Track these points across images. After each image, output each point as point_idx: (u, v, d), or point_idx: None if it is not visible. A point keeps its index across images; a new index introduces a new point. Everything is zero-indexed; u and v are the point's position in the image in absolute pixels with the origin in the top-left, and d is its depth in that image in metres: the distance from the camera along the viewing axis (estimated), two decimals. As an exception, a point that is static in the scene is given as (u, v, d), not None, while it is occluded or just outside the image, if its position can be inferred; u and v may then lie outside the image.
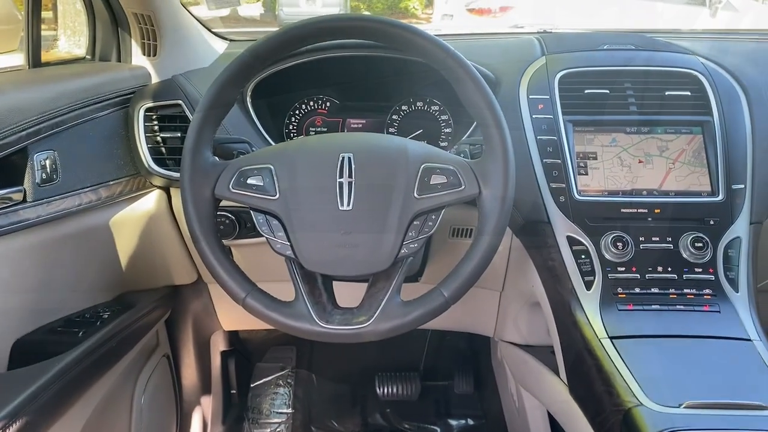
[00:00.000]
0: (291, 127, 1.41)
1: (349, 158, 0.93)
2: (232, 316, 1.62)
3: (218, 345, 1.72)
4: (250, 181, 0.93)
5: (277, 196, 0.92)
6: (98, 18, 1.35)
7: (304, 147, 0.98)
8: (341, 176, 0.92)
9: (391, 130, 1.40)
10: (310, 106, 1.41)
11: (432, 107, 1.39)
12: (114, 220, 1.22)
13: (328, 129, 1.41)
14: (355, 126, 1.41)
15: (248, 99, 1.27)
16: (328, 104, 1.41)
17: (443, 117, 1.39)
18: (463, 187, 0.92)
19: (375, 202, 0.91)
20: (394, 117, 1.40)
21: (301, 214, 0.91)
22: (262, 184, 0.93)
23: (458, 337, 2.04)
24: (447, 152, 0.98)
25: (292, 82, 1.34)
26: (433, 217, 0.93)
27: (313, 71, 1.31)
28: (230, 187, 0.93)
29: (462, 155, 1.02)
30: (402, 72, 1.33)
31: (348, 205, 0.91)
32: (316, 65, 1.28)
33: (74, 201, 1.11)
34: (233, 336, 1.80)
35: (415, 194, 0.91)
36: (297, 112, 1.41)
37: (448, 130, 1.40)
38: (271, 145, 1.22)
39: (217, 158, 0.97)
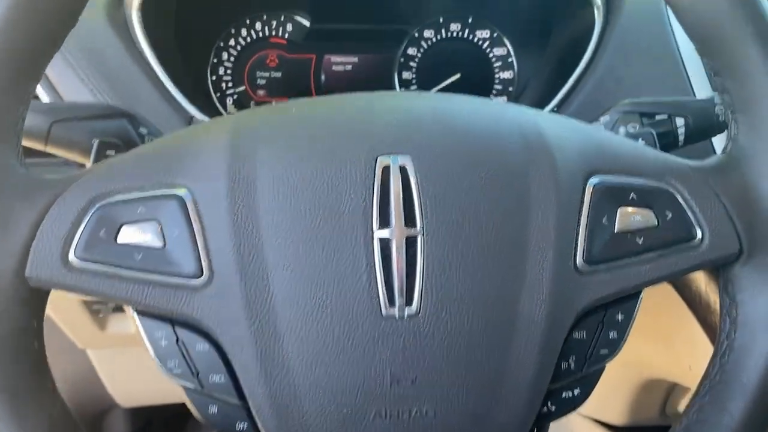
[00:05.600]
0: (222, 74, 0.80)
1: (405, 169, 0.35)
2: None
3: None
4: (128, 234, 0.35)
5: (205, 277, 0.34)
6: None
7: (269, 136, 0.37)
8: (385, 223, 0.34)
9: (404, 75, 0.82)
10: (257, 32, 0.81)
11: (477, 33, 0.82)
12: None
13: (290, 73, 0.82)
14: (340, 68, 0.83)
15: (135, 19, 0.65)
16: (290, 27, 0.81)
17: (498, 51, 0.82)
18: (698, 238, 0.37)
19: (476, 295, 0.35)
20: (411, 51, 0.82)
21: (278, 327, 0.34)
22: (160, 243, 0.35)
23: None
24: (629, 140, 0.43)
25: None
26: (622, 318, 0.37)
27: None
28: (74, 253, 0.34)
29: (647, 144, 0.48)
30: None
31: (408, 304, 0.34)
32: None
33: None
34: None
35: (579, 262, 0.36)
36: (232, 42, 0.80)
37: (507, 75, 0.83)
38: (190, 120, 0.65)
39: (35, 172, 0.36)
